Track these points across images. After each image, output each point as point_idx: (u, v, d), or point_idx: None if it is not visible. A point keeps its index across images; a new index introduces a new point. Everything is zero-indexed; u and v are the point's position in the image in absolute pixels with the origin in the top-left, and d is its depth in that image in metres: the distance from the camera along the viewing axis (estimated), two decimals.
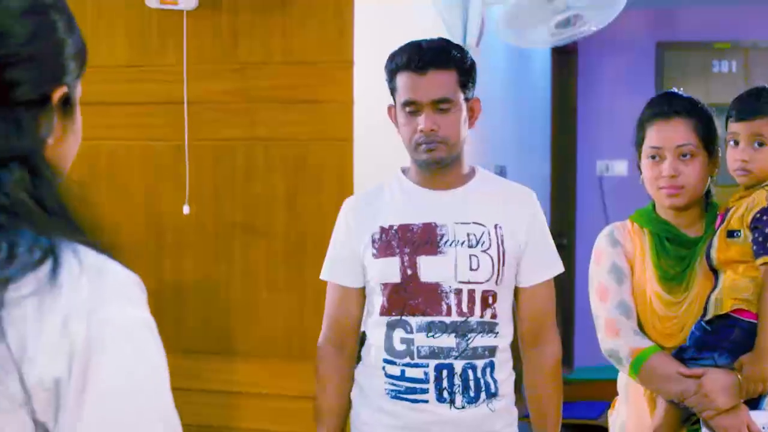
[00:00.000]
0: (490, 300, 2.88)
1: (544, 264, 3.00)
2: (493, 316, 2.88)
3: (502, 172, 5.95)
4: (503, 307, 2.91)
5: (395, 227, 2.91)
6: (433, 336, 2.84)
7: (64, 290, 1.21)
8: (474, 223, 2.90)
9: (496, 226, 2.91)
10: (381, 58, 2.95)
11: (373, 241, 2.92)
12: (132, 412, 1.23)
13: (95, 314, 1.22)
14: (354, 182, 3.83)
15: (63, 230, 1.25)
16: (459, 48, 2.95)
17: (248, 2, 3.94)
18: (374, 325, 2.94)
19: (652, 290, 2.95)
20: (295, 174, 3.92)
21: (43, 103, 1.31)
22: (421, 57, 2.87)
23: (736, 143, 2.89)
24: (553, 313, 3.03)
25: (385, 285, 2.90)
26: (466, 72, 2.90)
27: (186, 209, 3.97)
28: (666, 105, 2.97)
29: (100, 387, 1.21)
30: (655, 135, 2.95)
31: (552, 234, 3.06)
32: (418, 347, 2.85)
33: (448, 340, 2.84)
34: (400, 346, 2.88)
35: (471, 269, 2.86)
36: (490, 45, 4.94)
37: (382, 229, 2.92)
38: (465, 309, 2.85)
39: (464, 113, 2.90)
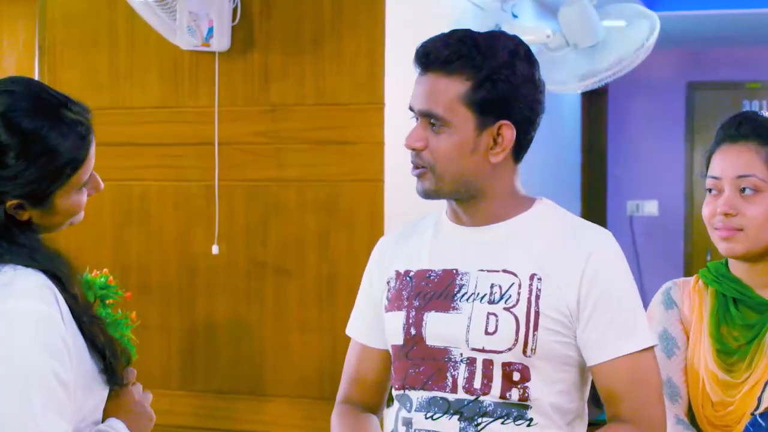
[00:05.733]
0: (516, 376, 2.11)
1: (618, 333, 2.11)
2: (524, 398, 2.11)
3: None
4: (545, 389, 2.13)
5: (412, 273, 2.23)
6: (431, 417, 2.15)
7: None
8: (503, 271, 2.14)
9: (533, 276, 2.12)
10: None
11: (388, 290, 2.27)
12: None
13: None
14: (385, 223, 3.84)
15: (21, 261, 1.92)
16: (490, 47, 2.11)
17: (280, 45, 3.97)
18: (394, 402, 2.28)
19: (705, 369, 2.30)
20: (326, 214, 3.92)
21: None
22: (425, 50, 2.14)
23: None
24: (649, 403, 2.11)
25: (393, 347, 2.25)
26: (481, 85, 2.10)
27: (215, 249, 3.99)
28: (734, 127, 2.31)
29: None
30: (715, 163, 2.30)
31: None
32: (416, 431, 2.17)
33: (449, 424, 2.12)
34: (401, 429, 2.21)
35: (486, 332, 2.11)
36: None
37: (398, 275, 2.26)
38: (477, 385, 2.12)
39: (472, 139, 2.12)
